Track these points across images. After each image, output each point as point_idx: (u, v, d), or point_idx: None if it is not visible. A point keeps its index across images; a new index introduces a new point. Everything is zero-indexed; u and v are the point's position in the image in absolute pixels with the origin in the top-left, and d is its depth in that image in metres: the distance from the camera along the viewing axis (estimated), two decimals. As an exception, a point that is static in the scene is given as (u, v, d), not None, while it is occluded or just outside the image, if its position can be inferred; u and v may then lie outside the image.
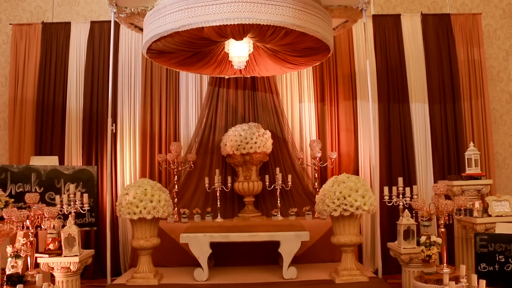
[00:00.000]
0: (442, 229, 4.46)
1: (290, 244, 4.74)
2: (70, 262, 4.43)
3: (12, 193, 5.34)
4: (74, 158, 6.56)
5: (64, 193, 5.26)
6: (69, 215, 4.75)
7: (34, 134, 6.57)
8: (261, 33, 4.47)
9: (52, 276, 4.64)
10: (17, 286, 3.65)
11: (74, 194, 4.95)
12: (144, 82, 6.68)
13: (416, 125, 6.65)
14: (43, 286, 3.54)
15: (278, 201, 5.85)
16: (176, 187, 6.06)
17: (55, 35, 6.79)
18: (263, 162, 6.15)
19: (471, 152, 5.66)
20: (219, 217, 5.82)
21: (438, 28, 6.81)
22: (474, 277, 3.39)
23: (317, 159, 6.16)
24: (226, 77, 6.35)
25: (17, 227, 4.23)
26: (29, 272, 4.29)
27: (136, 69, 6.74)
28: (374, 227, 6.11)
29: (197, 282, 4.70)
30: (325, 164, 6.27)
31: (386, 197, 5.09)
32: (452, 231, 5.68)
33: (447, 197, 5.17)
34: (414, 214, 4.69)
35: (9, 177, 5.39)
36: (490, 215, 4.92)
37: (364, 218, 6.32)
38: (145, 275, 4.62)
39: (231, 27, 4.24)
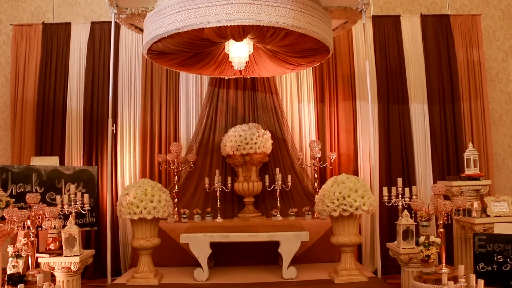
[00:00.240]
0: (441, 229, 4.47)
1: (289, 244, 4.75)
2: (71, 262, 4.45)
3: (13, 193, 5.36)
4: (75, 158, 6.57)
5: (64, 193, 5.29)
6: (70, 215, 4.77)
7: (35, 134, 6.59)
8: (261, 34, 4.49)
9: (53, 276, 4.66)
10: (18, 286, 3.67)
11: (75, 194, 4.97)
12: (144, 82, 6.70)
13: (416, 126, 6.67)
14: (44, 286, 3.55)
15: (278, 201, 5.87)
16: (176, 187, 6.08)
17: (55, 36, 6.81)
18: (263, 162, 6.17)
19: (470, 152, 5.68)
20: (219, 217, 5.84)
21: (437, 29, 6.83)
22: (473, 277, 3.41)
23: (317, 159, 6.18)
24: (226, 77, 6.36)
25: (18, 227, 4.24)
26: (30, 272, 4.30)
27: (136, 69, 6.76)
28: (373, 227, 6.14)
29: (197, 282, 4.72)
30: (324, 165, 6.29)
31: (386, 198, 5.12)
32: (451, 231, 5.70)
33: (446, 197, 5.18)
34: (413, 215, 4.70)
35: (10, 177, 5.41)
36: (488, 216, 4.94)
37: (363, 218, 6.35)
38: (146, 275, 4.64)
39: (231, 28, 4.26)
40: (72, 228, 4.52)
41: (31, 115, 6.64)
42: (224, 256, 5.34)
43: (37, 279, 3.69)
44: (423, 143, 6.63)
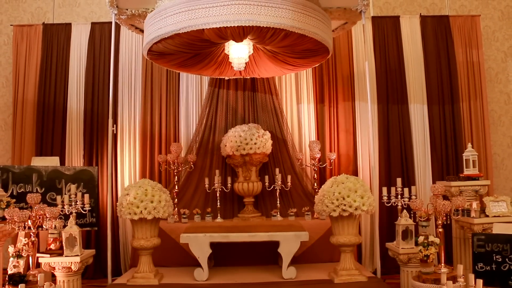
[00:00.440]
0: (440, 230, 4.48)
1: (289, 244, 4.77)
2: (71, 262, 4.46)
3: (14, 193, 5.38)
4: (75, 158, 6.59)
5: (65, 194, 5.31)
6: (70, 215, 4.77)
7: (35, 134, 6.60)
8: (260, 35, 4.51)
9: (53, 276, 4.68)
10: (19, 286, 3.70)
11: (75, 194, 4.97)
12: (144, 83, 6.71)
13: (415, 126, 6.69)
14: (44, 286, 3.57)
15: (278, 202, 5.89)
16: (176, 188, 6.10)
17: (55, 36, 6.83)
18: (263, 162, 6.19)
19: (469, 153, 5.70)
20: (219, 217, 5.85)
21: (437, 30, 6.84)
22: (472, 276, 3.43)
23: (316, 159, 6.19)
24: (226, 78, 6.38)
25: (19, 227, 4.25)
26: (31, 272, 4.32)
27: (137, 70, 6.78)
28: (373, 227, 6.16)
29: (197, 282, 4.73)
30: (324, 165, 6.31)
31: (385, 198, 5.13)
32: (450, 231, 5.72)
33: (445, 197, 5.20)
34: (412, 215, 4.72)
35: (10, 178, 5.44)
36: (487, 216, 4.96)
37: (363, 218, 6.37)
38: (146, 275, 4.65)
39: (231, 29, 4.28)
40: (72, 228, 4.53)
41: (31, 115, 6.66)
42: (224, 256, 5.36)
43: (38, 279, 3.70)
44: (423, 144, 6.65)
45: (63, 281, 4.48)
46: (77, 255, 4.49)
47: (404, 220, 4.70)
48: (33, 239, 4.48)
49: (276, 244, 4.81)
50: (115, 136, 6.49)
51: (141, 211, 4.52)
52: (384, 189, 5.18)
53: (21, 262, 4.39)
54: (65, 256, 4.49)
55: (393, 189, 5.14)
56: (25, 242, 4.46)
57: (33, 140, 6.59)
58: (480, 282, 3.30)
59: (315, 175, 6.19)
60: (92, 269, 6.21)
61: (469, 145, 5.85)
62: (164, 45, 4.75)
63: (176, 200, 5.96)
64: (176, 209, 5.84)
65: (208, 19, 4.22)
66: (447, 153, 6.63)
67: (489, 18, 7.24)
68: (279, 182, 5.87)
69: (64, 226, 4.64)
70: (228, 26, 4.20)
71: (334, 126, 6.68)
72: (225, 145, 6.06)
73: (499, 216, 4.90)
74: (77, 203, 4.90)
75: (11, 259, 4.41)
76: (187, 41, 4.66)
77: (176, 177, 6.11)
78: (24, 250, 4.41)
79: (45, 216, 4.51)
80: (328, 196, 4.50)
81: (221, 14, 4.17)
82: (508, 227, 4.14)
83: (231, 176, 6.17)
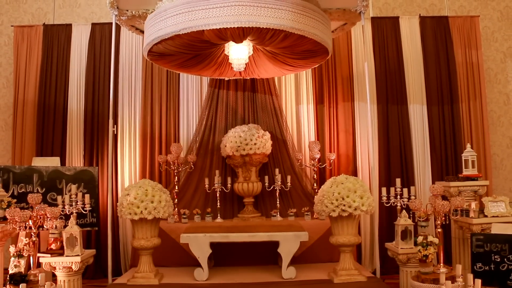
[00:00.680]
0: (439, 230, 4.49)
1: (289, 244, 4.78)
2: (72, 262, 4.48)
3: (15, 193, 5.39)
4: (75, 159, 6.60)
5: (65, 194, 5.32)
6: (71, 215, 4.80)
7: (36, 135, 6.62)
8: (260, 36, 4.53)
9: (54, 275, 4.70)
10: (20, 285, 3.72)
11: (76, 194, 5.00)
12: (145, 83, 6.73)
13: (414, 127, 6.70)
14: (45, 286, 3.59)
15: (278, 202, 5.90)
16: (176, 188, 6.11)
17: (56, 37, 6.84)
18: (263, 163, 6.20)
19: (468, 153, 5.72)
20: (219, 217, 5.87)
21: (436, 31, 6.86)
22: (470, 276, 3.44)
23: (316, 160, 6.21)
24: (226, 79, 6.39)
25: (19, 227, 4.27)
26: (32, 272, 4.33)
27: (137, 70, 6.80)
28: (372, 228, 6.17)
29: (197, 282, 4.75)
30: (324, 165, 6.32)
31: (384, 198, 5.16)
32: (449, 231, 5.73)
33: (444, 198, 5.23)
34: (411, 215, 4.73)
35: (11, 178, 5.45)
36: (486, 216, 4.98)
37: (362, 218, 6.38)
38: (146, 274, 4.67)
39: (231, 30, 4.30)
40: (73, 228, 4.55)
41: (32, 116, 6.68)
42: (224, 256, 5.37)
43: (39, 278, 3.72)
44: (422, 144, 6.66)
45: (64, 280, 4.50)
46: (78, 255, 4.51)
47: (403, 220, 4.71)
48: (34, 239, 4.49)
49: (276, 244, 4.82)
50: (115, 137, 6.50)
51: (142, 211, 4.54)
52: (384, 190, 5.20)
53: (22, 262, 4.41)
54: (66, 256, 4.51)
55: (392, 189, 5.17)
56: (26, 242, 4.48)
57: (33, 140, 6.61)
58: (478, 282, 3.32)
59: (315, 175, 6.21)
60: (93, 269, 6.22)
61: (468, 145, 5.86)
62: (164, 46, 4.76)
63: (176, 200, 5.97)
64: (176, 209, 5.85)
65: (208, 20, 4.24)
66: (447, 154, 6.64)
67: (488, 19, 7.26)
68: (279, 183, 5.89)
69: (65, 226, 4.67)
70: (228, 27, 4.22)
71: (334, 126, 6.69)
72: (225, 146, 6.07)
73: (497, 216, 4.93)
74: (78, 203, 4.92)
75: (12, 258, 4.43)
76: (187, 42, 4.68)
77: (176, 177, 6.12)
78: (25, 250, 4.43)
79: (45, 216, 4.53)
80: (328, 196, 4.52)
81: (221, 15, 4.19)
82: (507, 227, 4.16)
83: (231, 176, 6.18)
